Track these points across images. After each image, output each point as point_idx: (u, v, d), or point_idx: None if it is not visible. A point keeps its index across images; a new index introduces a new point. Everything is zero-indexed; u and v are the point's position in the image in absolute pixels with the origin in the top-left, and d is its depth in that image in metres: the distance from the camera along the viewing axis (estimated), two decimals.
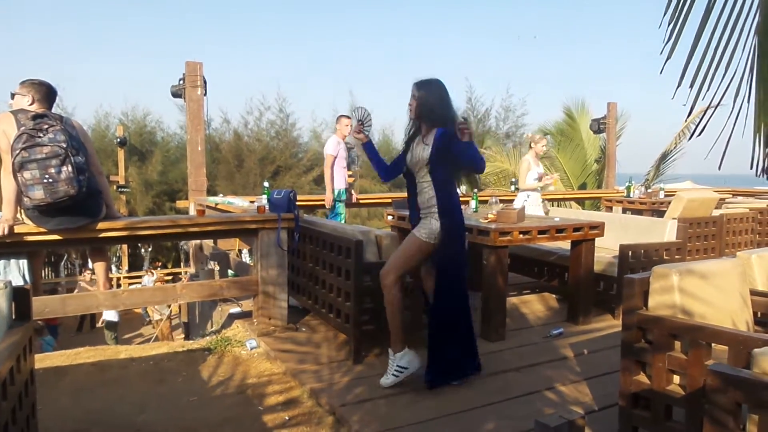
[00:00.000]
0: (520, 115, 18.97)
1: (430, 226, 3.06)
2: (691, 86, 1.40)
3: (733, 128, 1.39)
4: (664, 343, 2.19)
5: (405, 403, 2.93)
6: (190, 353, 3.83)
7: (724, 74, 1.40)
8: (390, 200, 6.34)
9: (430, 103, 3.02)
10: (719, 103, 1.40)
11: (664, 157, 12.73)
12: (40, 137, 3.09)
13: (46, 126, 3.14)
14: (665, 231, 4.85)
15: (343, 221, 6.77)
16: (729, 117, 1.39)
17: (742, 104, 1.42)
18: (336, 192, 6.63)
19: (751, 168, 1.41)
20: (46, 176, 3.09)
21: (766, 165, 1.42)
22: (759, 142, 1.38)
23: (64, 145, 3.12)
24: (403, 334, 3.16)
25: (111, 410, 3.02)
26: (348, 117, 6.69)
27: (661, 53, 1.43)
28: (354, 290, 3.44)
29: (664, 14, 1.44)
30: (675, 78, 1.42)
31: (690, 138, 1.48)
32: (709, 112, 1.42)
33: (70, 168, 3.13)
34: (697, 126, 1.44)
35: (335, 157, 6.57)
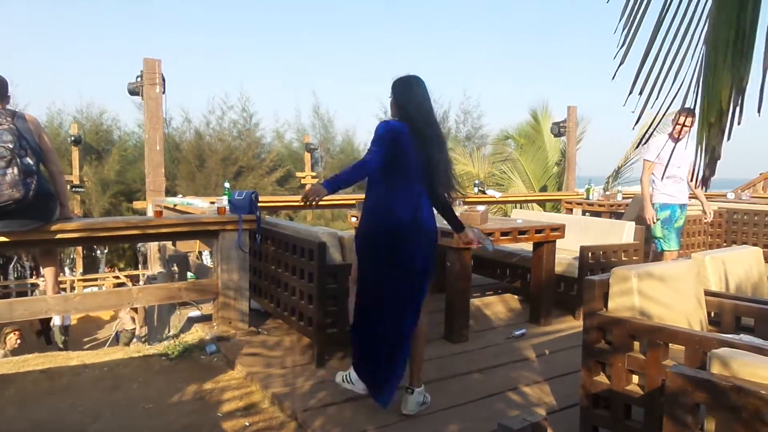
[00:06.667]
0: (477, 116, 19.16)
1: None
2: (641, 93, 1.39)
3: (687, 139, 1.39)
4: (624, 343, 2.23)
5: (368, 408, 2.88)
6: (147, 359, 3.71)
7: (673, 83, 1.39)
8: (354, 202, 6.29)
9: (391, 103, 2.90)
10: (666, 112, 1.40)
11: (624, 162, 13.08)
12: None
13: None
14: (623, 232, 4.96)
15: (668, 247, 4.88)
16: (673, 126, 1.38)
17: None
18: (659, 208, 4.84)
19: (691, 180, 1.42)
20: None
21: (707, 174, 1.42)
22: (700, 153, 1.39)
23: (11, 146, 2.97)
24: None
25: (60, 420, 2.89)
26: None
27: (614, 58, 1.42)
28: (317, 293, 3.39)
29: (620, 19, 1.44)
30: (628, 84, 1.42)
31: (637, 146, 1.47)
32: (656, 121, 1.41)
33: (15, 170, 2.97)
34: (642, 135, 1.42)
35: (654, 164, 4.80)
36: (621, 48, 1.42)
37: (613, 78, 1.44)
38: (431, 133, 2.77)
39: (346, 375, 3.07)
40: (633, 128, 1.42)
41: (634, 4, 1.43)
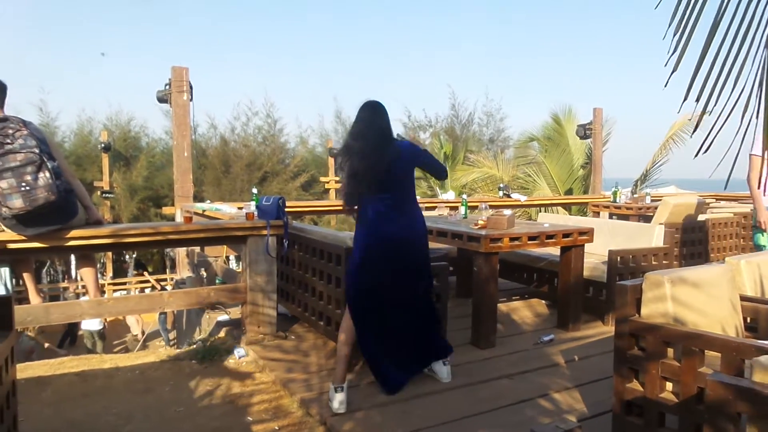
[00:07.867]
0: (500, 119, 19.10)
1: None
2: (697, 100, 1.37)
3: (741, 144, 1.37)
4: (658, 350, 2.19)
5: (396, 413, 2.89)
6: (177, 362, 3.77)
7: (733, 88, 1.37)
8: None
9: None
10: (727, 118, 1.36)
11: (652, 164, 12.89)
12: (9, 143, 2.97)
13: (11, 131, 3.02)
14: (653, 236, 4.88)
15: None
16: (737, 132, 1.36)
17: (750, 120, 1.38)
18: None
19: (759, 186, 1.40)
20: (23, 184, 2.98)
21: None
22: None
23: (38, 151, 3.01)
24: (341, 368, 3.00)
25: (95, 421, 2.95)
26: None
27: (666, 65, 1.39)
28: (344, 297, 3.40)
29: (669, 25, 1.42)
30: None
31: (696, 155, 1.44)
32: (717, 127, 1.37)
33: (47, 174, 3.02)
34: (703, 142, 1.38)
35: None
36: (672, 54, 1.40)
37: (665, 86, 1.41)
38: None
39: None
40: (691, 137, 1.41)
41: (686, 9, 1.40)
